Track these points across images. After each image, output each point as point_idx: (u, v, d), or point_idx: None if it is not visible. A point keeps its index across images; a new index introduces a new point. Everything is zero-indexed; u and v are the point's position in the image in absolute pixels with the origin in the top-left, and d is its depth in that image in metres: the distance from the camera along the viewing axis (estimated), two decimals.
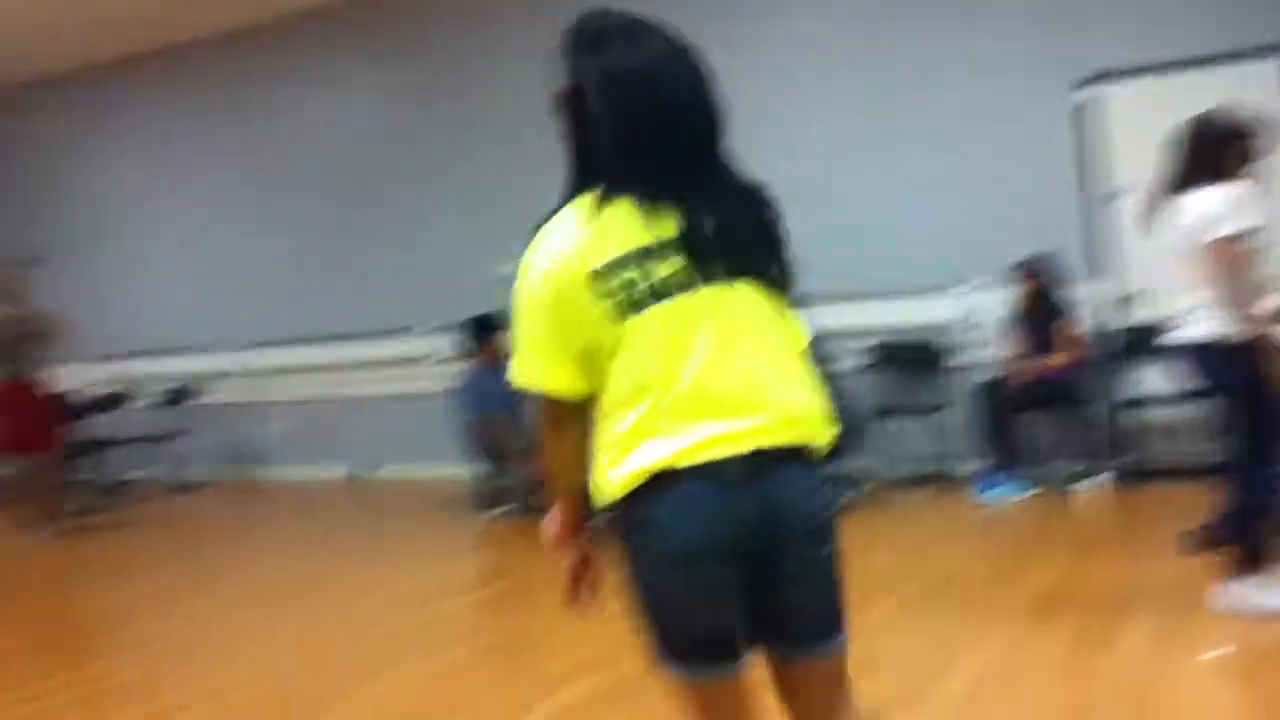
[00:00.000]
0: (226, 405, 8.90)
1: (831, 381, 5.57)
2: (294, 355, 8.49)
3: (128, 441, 8.31)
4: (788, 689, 1.70)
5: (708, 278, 1.59)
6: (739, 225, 1.64)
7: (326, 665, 3.88)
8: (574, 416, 1.68)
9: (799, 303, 1.69)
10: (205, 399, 8.74)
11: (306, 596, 4.95)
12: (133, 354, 9.19)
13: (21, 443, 6.82)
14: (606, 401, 1.64)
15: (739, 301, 1.62)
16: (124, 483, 8.47)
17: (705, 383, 1.58)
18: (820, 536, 1.65)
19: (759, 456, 1.58)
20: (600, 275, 1.58)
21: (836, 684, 1.70)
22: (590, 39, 1.63)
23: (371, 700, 3.45)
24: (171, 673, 3.97)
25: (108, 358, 9.24)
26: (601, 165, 1.61)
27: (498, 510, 6.24)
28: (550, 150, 1.80)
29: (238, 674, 3.88)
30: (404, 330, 7.92)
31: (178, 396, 8.59)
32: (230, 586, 5.31)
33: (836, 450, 1.71)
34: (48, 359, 7.00)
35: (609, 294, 1.58)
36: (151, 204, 9.15)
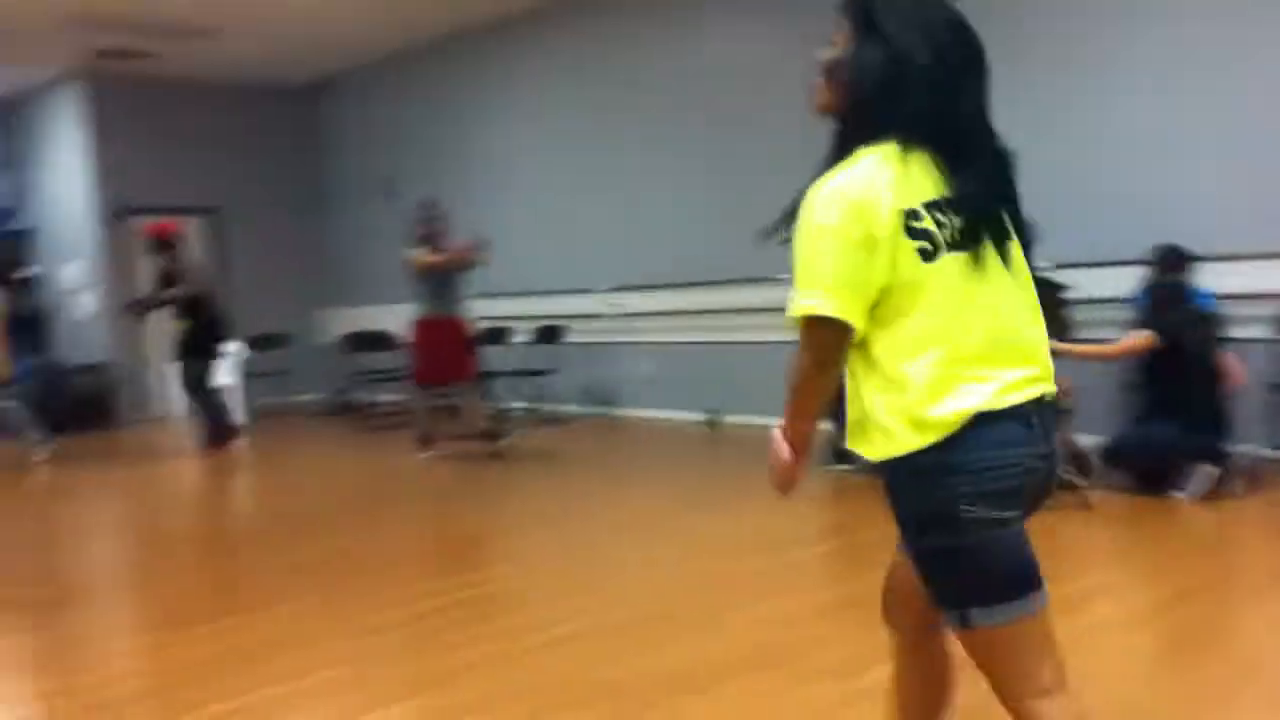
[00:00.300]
0: (592, 345, 9.39)
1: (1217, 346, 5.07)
2: (660, 299, 8.79)
3: (507, 374, 8.97)
4: None
5: (991, 234, 1.70)
6: (1011, 189, 1.76)
7: (693, 595, 3.99)
8: (843, 352, 1.72)
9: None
10: (574, 338, 9.25)
11: (664, 530, 5.13)
12: (513, 293, 9.88)
13: (445, 373, 7.39)
14: (890, 342, 1.68)
15: (1010, 259, 1.73)
16: (504, 411, 9.17)
17: (997, 332, 1.68)
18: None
19: (1043, 402, 1.71)
20: (911, 216, 1.64)
21: None
22: None
23: (739, 630, 3.51)
24: (549, 586, 4.24)
25: (493, 295, 10.00)
26: (897, 117, 1.68)
27: (843, 466, 6.16)
28: None
29: (610, 594, 4.08)
30: (767, 279, 7.95)
31: (549, 335, 9.15)
32: (598, 514, 5.61)
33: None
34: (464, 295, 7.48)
35: (915, 236, 1.64)
36: (540, 154, 9.74)
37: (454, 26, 10.08)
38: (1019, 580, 1.67)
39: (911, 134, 1.67)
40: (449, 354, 7.27)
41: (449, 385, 7.52)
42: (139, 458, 8.84)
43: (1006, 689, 1.72)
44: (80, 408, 10.42)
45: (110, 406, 10.70)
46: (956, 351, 1.65)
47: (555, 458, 7.71)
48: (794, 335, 1.74)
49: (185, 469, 8.24)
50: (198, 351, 8.25)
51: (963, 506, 1.63)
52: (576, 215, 9.49)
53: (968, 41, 1.71)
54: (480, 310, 10.02)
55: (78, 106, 10.82)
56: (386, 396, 10.01)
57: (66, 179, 11.19)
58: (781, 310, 7.04)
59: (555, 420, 9.11)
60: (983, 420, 1.63)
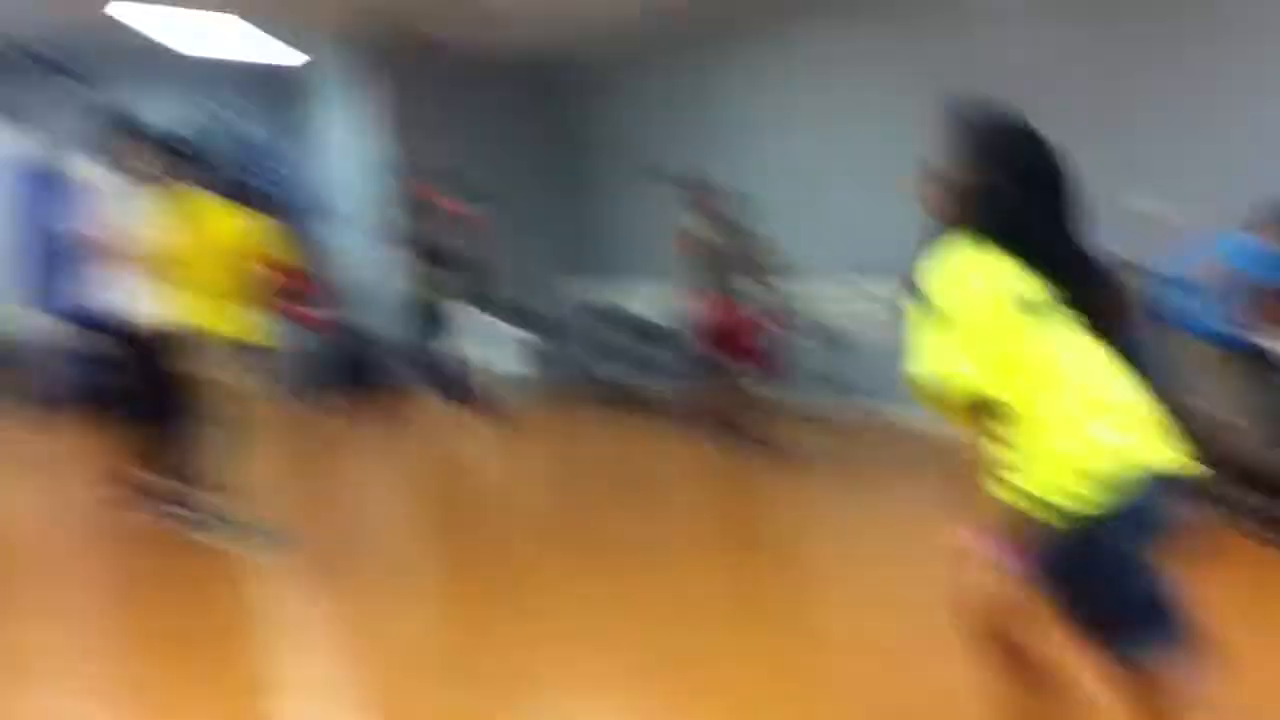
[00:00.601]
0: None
1: None
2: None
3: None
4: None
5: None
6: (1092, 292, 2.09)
7: None
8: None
9: None
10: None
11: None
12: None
13: (729, 355, 7.16)
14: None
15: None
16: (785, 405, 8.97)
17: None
18: None
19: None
20: (1024, 305, 2.00)
21: None
22: (1007, 136, 2.24)
23: None
24: (822, 592, 3.98)
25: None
26: (1004, 229, 2.09)
27: None
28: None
29: (882, 607, 3.77)
30: None
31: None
32: (870, 516, 5.30)
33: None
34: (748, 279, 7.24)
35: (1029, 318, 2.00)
36: (810, 135, 9.47)
37: (726, 9, 9.91)
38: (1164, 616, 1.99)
39: (1015, 242, 2.08)
40: (729, 336, 7.04)
41: (734, 367, 7.19)
42: (409, 424, 9.02)
43: None
44: (351, 370, 10.85)
45: (387, 370, 11.05)
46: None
47: (823, 453, 7.43)
48: None
49: (451, 438, 8.40)
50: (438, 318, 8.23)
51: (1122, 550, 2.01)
52: (855, 197, 9.11)
53: (1065, 180, 2.18)
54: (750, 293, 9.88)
55: (362, 77, 11.26)
56: (642, 379, 9.97)
57: (342, 150, 11.71)
58: None
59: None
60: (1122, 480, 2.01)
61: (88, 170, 4.89)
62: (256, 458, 5.26)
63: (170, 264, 4.82)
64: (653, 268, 11.11)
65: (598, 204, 12.11)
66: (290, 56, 11.26)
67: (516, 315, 9.69)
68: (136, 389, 4.84)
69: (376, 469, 7.21)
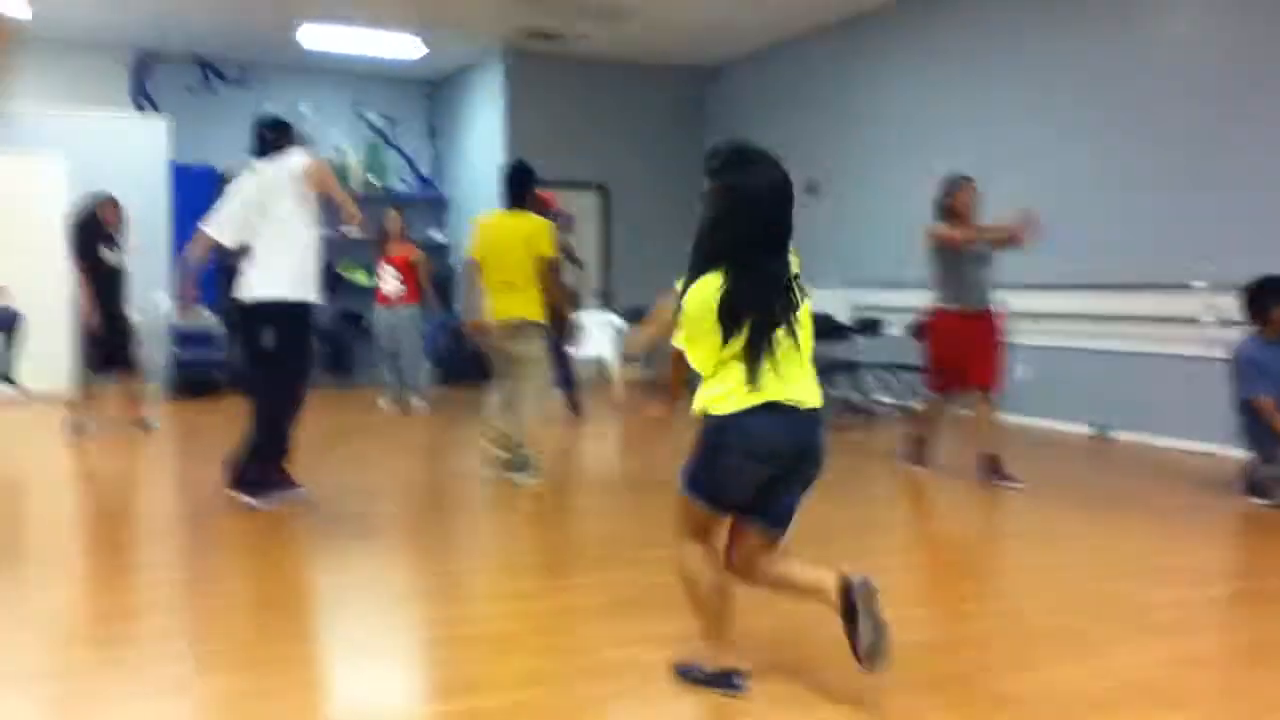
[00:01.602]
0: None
1: None
2: (1046, 300, 8.22)
3: (876, 366, 8.76)
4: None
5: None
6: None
7: (1080, 617, 3.67)
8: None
9: None
10: None
11: (1046, 545, 4.77)
12: (888, 284, 9.64)
13: (963, 376, 6.19)
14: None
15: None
16: (873, 404, 8.99)
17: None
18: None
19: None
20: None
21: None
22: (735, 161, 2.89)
23: (1128, 662, 3.18)
24: (932, 588, 4.05)
25: (871, 284, 9.84)
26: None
27: (1265, 501, 5.48)
28: None
29: (992, 604, 3.84)
30: (1179, 287, 7.25)
31: (922, 330, 8.81)
32: (969, 517, 5.32)
33: None
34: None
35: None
36: (935, 139, 9.43)
37: (852, 10, 9.99)
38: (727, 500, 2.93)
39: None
40: (970, 353, 6.07)
41: (964, 391, 6.21)
42: None
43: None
44: (476, 363, 11.33)
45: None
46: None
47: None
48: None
49: (569, 430, 8.71)
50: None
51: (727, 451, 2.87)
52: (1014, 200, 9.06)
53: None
54: (856, 300, 9.96)
55: (497, 83, 11.73)
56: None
57: (480, 151, 12.19)
58: (1188, 321, 6.30)
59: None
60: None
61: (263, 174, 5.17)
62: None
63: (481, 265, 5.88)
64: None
65: None
66: (443, 58, 11.87)
67: (631, 314, 9.88)
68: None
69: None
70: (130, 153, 10.19)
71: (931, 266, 6.17)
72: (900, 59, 9.80)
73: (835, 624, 2.76)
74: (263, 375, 5.22)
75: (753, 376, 2.75)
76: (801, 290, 2.86)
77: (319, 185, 5.23)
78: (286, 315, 5.11)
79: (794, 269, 2.86)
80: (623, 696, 2.92)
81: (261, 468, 5.22)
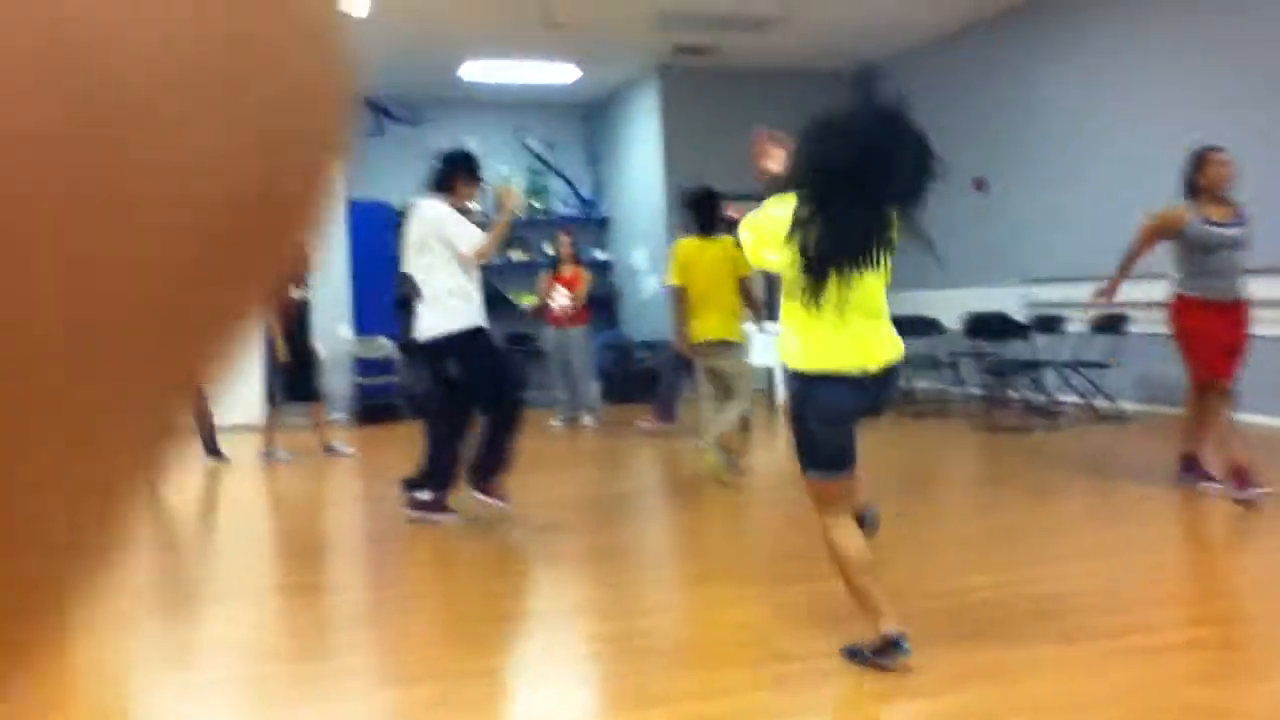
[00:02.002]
0: (1164, 336, 8.47)
1: None
2: (1262, 285, 7.67)
3: (1061, 364, 8.37)
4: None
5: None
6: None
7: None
8: None
9: None
10: (1143, 328, 8.40)
11: (1249, 547, 4.42)
12: (1068, 279, 9.22)
13: (1215, 368, 5.67)
14: None
15: None
16: (1056, 404, 8.59)
17: None
18: None
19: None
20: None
21: None
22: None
23: None
24: (1121, 591, 3.82)
25: (1049, 279, 9.44)
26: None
27: None
28: None
29: (1197, 609, 3.59)
30: None
31: (1110, 323, 8.37)
32: (1164, 518, 4.99)
33: None
34: None
35: None
36: (1102, 127, 9.01)
37: (1001, 6, 9.66)
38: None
39: None
40: (1216, 345, 5.49)
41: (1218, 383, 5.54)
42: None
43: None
44: (643, 380, 11.45)
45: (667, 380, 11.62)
46: None
47: (1098, 457, 7.05)
48: None
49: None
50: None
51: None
52: (1151, 187, 8.59)
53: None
54: (1033, 297, 9.57)
55: (652, 101, 11.85)
56: (925, 383, 9.84)
57: (639, 169, 12.33)
58: None
59: (1112, 417, 8.37)
60: None
61: (433, 209, 5.37)
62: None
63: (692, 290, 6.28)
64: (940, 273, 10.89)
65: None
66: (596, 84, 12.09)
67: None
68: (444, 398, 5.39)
69: (624, 466, 7.55)
70: None
71: (1173, 250, 5.56)
72: (1060, 48, 9.39)
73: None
74: (450, 402, 5.39)
75: (812, 313, 2.89)
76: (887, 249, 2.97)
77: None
78: (459, 345, 5.26)
79: (890, 228, 2.95)
80: (802, 709, 2.85)
81: (437, 489, 5.38)
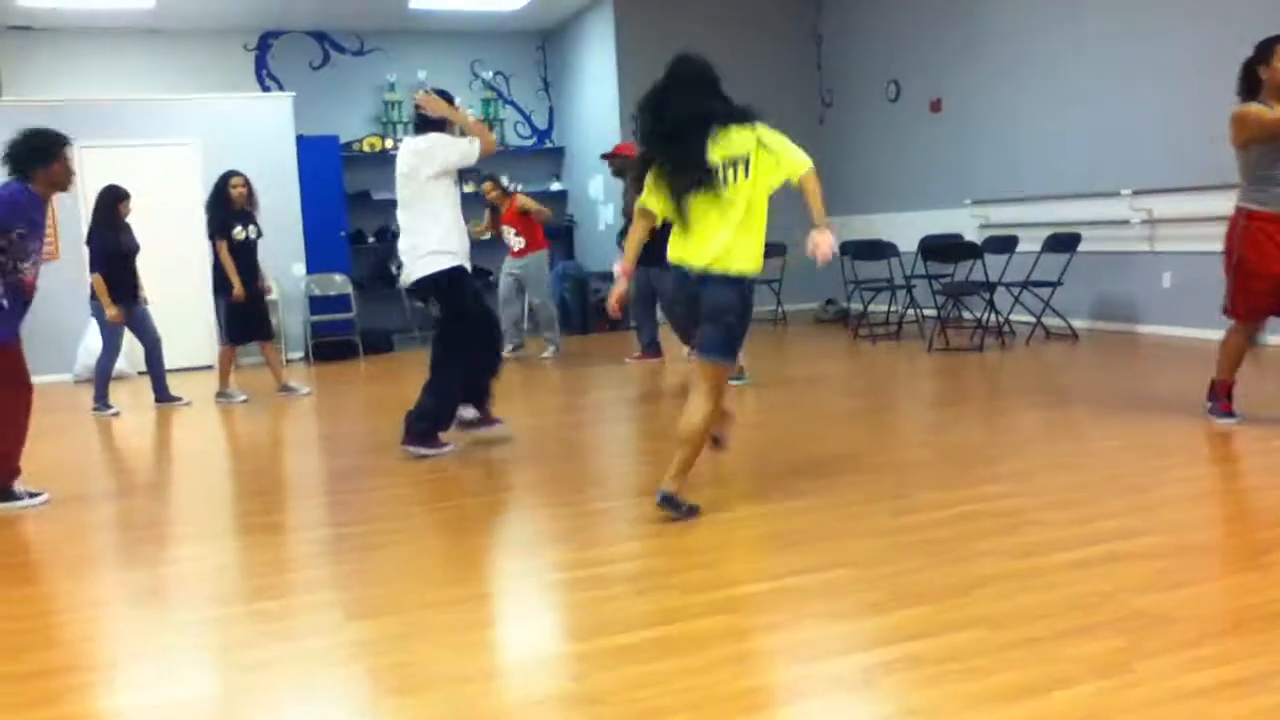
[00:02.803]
0: (1114, 254, 8.60)
1: None
2: (1196, 202, 7.79)
3: (1013, 284, 8.47)
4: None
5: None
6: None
7: (1234, 529, 3.49)
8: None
9: None
10: (1093, 246, 8.51)
11: (1192, 457, 4.55)
12: (1022, 199, 9.30)
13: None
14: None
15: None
16: (1009, 324, 8.70)
17: None
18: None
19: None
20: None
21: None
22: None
23: None
24: (1069, 506, 3.92)
25: (1002, 200, 9.51)
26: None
27: None
28: None
29: (1137, 521, 3.69)
30: None
31: (1062, 243, 8.46)
32: (1115, 433, 5.11)
33: None
34: None
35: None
36: (1056, 45, 9.01)
37: None
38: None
39: None
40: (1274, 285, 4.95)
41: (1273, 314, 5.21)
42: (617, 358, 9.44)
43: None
44: (598, 312, 11.47)
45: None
46: None
47: (1054, 373, 7.18)
48: None
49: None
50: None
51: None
52: (1099, 110, 8.66)
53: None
54: (989, 216, 9.63)
55: (606, 27, 11.68)
56: (881, 306, 9.92)
57: (593, 98, 12.18)
58: None
59: (1064, 334, 8.51)
60: None
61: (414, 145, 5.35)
62: None
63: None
64: (891, 196, 10.95)
65: (837, 133, 12.00)
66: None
67: None
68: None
69: (584, 393, 7.58)
70: (259, 132, 10.52)
71: (1240, 158, 4.97)
72: None
73: None
74: (444, 339, 5.49)
75: (676, 229, 3.91)
76: (733, 171, 3.81)
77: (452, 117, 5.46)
78: (445, 282, 5.36)
79: (710, 155, 3.79)
80: (751, 632, 2.92)
81: (434, 423, 5.49)
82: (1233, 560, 3.27)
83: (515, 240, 9.47)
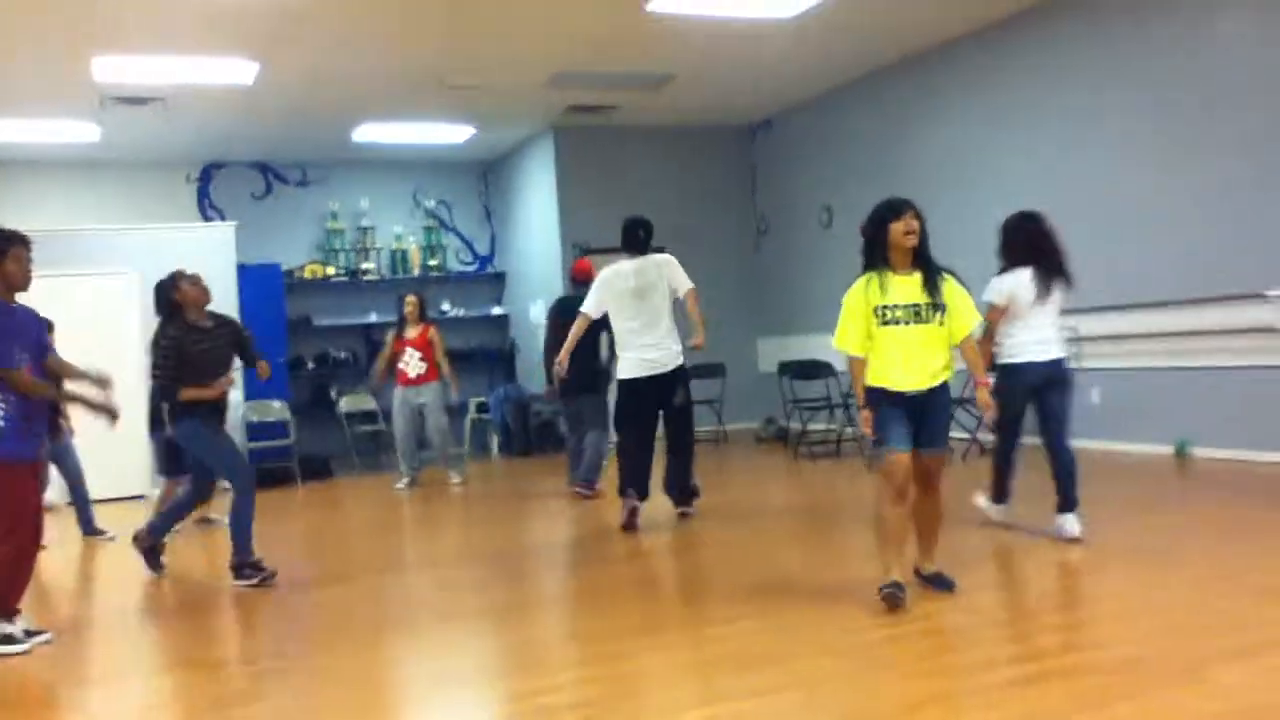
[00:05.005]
0: None
1: None
2: (1123, 321, 8.08)
3: None
4: None
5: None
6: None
7: (1172, 641, 3.55)
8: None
9: None
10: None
11: (1129, 568, 4.63)
12: None
13: None
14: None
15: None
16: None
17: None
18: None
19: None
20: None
21: None
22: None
23: (1231, 685, 3.06)
24: (1007, 622, 3.96)
25: None
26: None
27: None
28: None
29: (1075, 636, 3.73)
30: (1252, 297, 7.09)
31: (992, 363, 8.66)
32: (1050, 548, 5.18)
33: None
34: None
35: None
36: (985, 168, 9.40)
37: (889, 58, 10.07)
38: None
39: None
40: None
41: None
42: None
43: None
44: (541, 432, 11.48)
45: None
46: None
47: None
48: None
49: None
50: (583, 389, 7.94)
51: None
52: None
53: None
54: None
55: (547, 159, 11.96)
56: (820, 425, 10.05)
57: (533, 225, 12.41)
58: (1265, 330, 6.12)
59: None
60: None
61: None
62: None
63: None
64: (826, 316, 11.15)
65: (773, 258, 12.32)
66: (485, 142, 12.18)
67: (692, 370, 9.72)
68: None
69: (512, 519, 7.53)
70: (200, 261, 10.35)
71: None
72: (950, 99, 9.79)
73: None
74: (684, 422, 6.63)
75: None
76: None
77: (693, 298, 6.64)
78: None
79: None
80: None
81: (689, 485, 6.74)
82: (1171, 675, 3.31)
83: (418, 365, 9.23)
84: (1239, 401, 7.30)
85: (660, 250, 6.85)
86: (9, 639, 4.47)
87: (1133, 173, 8.03)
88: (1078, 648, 3.57)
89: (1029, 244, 5.57)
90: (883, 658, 3.62)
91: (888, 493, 4.20)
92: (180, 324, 5.76)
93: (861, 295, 4.24)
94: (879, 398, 4.19)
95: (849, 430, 9.52)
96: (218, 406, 5.87)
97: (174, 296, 5.85)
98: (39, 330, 4.76)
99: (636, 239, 6.76)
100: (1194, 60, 7.57)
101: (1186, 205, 7.62)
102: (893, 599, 4.07)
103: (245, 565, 5.62)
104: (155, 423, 7.59)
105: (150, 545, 6.07)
